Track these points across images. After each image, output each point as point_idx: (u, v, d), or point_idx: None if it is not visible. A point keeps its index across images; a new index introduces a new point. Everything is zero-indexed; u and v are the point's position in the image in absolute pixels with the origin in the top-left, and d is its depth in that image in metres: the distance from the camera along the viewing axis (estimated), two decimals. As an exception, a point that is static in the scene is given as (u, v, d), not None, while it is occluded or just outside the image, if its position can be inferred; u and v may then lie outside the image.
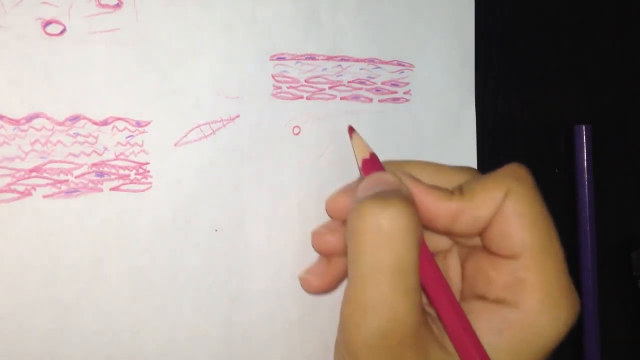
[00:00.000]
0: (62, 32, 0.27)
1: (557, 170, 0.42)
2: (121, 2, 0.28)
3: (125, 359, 0.28)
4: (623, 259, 0.43)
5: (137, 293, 0.28)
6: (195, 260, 0.29)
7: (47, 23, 0.27)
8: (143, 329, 0.28)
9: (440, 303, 0.25)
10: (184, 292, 0.29)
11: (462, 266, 0.29)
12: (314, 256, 0.31)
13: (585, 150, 0.41)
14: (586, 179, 0.41)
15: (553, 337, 0.25)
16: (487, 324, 0.25)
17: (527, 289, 0.25)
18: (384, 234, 0.24)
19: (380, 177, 0.27)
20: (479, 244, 0.28)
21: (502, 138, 0.40)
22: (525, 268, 0.25)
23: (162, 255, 0.29)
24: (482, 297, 0.27)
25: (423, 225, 0.26)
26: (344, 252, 0.29)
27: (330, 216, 0.31)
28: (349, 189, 0.30)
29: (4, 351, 0.26)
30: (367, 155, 0.29)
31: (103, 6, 0.28)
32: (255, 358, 0.31)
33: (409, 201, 0.25)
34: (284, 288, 0.31)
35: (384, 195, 0.25)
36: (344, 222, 0.29)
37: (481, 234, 0.27)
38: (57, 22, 0.27)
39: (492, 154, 0.39)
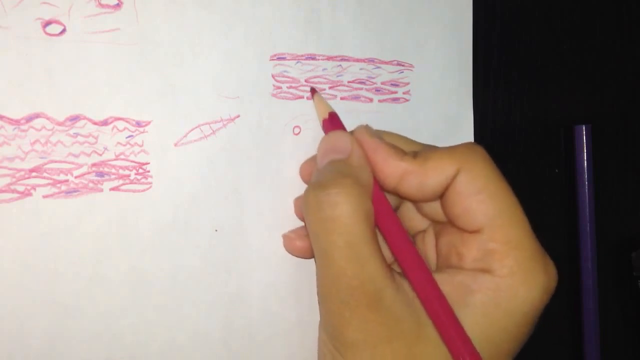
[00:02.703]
0: (62, 32, 0.27)
1: (557, 170, 0.42)
2: (121, 2, 0.28)
3: (126, 359, 0.28)
4: (623, 259, 0.43)
5: (137, 293, 0.28)
6: (195, 260, 0.29)
7: (47, 23, 0.27)
8: (143, 329, 0.28)
9: (405, 262, 0.26)
10: (184, 292, 0.29)
11: (436, 243, 0.29)
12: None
13: (585, 150, 0.41)
14: (586, 179, 0.41)
15: (528, 302, 0.26)
16: (459, 286, 0.26)
17: (497, 258, 0.26)
18: (327, 219, 0.25)
19: (332, 139, 0.28)
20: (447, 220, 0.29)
21: (502, 138, 0.40)
22: (492, 240, 0.26)
23: (162, 255, 0.29)
24: (458, 267, 0.27)
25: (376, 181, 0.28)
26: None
27: (305, 183, 0.32)
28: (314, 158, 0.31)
29: (4, 351, 0.26)
30: (326, 115, 0.30)
31: (103, 6, 0.28)
32: (255, 358, 0.31)
33: (353, 176, 0.26)
34: (284, 288, 0.31)
35: (324, 179, 0.26)
36: None
37: (444, 209, 0.28)
38: (57, 22, 0.27)
39: (491, 154, 0.39)
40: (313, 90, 0.32)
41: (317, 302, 0.32)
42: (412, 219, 0.31)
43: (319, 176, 0.27)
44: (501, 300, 0.26)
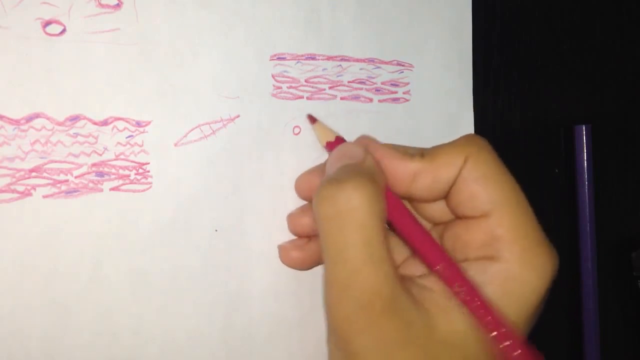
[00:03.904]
0: (62, 32, 0.27)
1: (557, 170, 0.42)
2: (121, 2, 0.28)
3: (125, 359, 0.28)
4: (623, 259, 0.43)
5: (137, 293, 0.28)
6: (195, 260, 0.29)
7: (47, 23, 0.27)
8: (143, 329, 0.28)
9: (429, 252, 0.26)
10: (184, 292, 0.29)
11: (441, 243, 0.29)
12: (314, 256, 0.31)
13: (585, 150, 0.41)
14: (586, 179, 0.41)
15: (537, 289, 0.26)
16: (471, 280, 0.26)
17: (504, 243, 0.26)
18: (343, 213, 0.25)
19: (343, 149, 0.28)
20: (450, 218, 0.29)
21: (502, 138, 0.40)
22: (498, 224, 0.26)
23: (162, 255, 0.29)
24: (464, 260, 0.27)
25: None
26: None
27: (301, 197, 0.32)
28: (317, 170, 0.31)
29: (4, 351, 0.26)
30: (333, 138, 0.30)
31: (103, 6, 0.28)
32: (255, 358, 0.31)
33: (368, 175, 0.26)
34: (284, 288, 0.31)
35: (339, 176, 0.26)
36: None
37: (447, 199, 0.28)
38: (57, 22, 0.27)
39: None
40: (312, 118, 0.32)
41: (317, 302, 0.32)
42: None
43: (333, 175, 0.27)
44: (512, 289, 0.26)
